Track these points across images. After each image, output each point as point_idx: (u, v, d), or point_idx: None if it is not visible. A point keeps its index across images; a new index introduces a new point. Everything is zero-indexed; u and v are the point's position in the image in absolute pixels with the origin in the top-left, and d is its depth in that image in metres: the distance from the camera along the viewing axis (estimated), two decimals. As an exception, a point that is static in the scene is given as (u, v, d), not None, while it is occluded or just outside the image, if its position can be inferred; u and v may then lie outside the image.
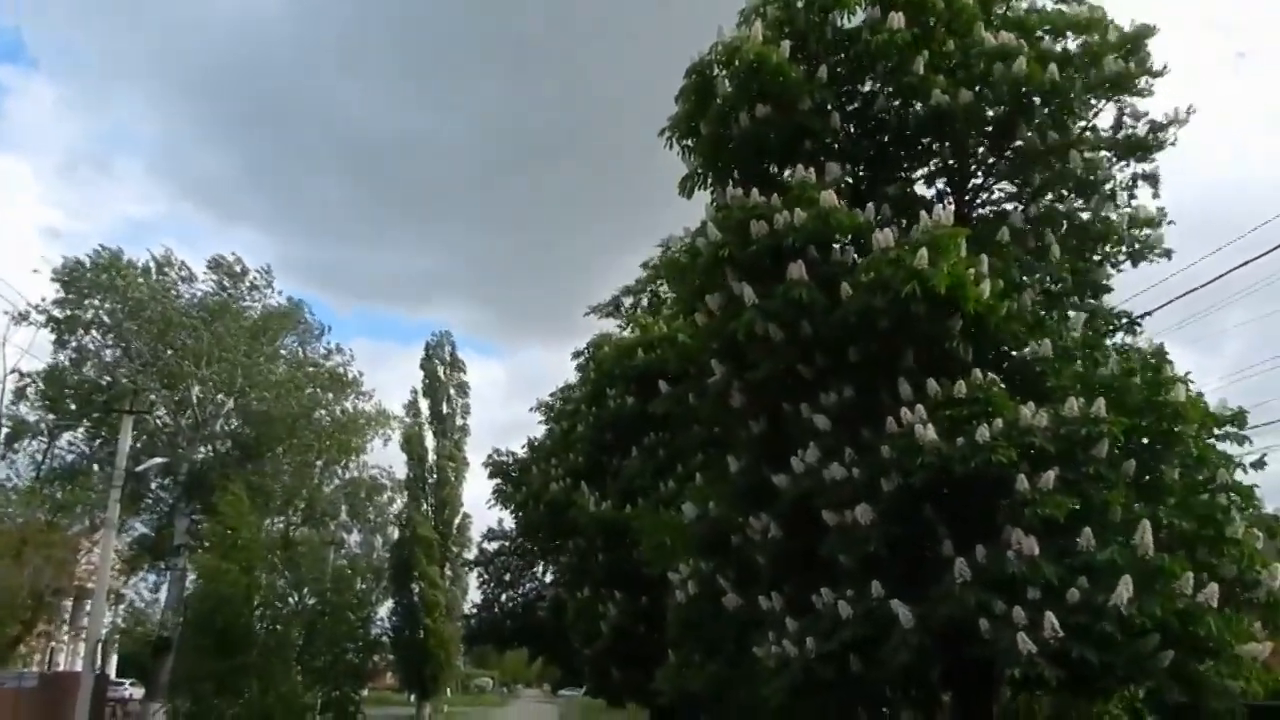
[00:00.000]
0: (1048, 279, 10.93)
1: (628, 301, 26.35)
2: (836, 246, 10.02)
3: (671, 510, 18.16)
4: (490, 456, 29.09)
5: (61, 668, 42.91)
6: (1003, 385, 9.77)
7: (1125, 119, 11.34)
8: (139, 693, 41.24)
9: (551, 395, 27.60)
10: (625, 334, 23.63)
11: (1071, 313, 10.79)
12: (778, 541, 10.77)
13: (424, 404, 51.26)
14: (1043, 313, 10.51)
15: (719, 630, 12.04)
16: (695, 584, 12.17)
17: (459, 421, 52.13)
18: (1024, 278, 10.54)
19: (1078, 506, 8.66)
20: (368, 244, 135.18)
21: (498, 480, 28.12)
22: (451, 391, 52.46)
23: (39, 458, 40.54)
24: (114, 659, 50.08)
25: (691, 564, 12.61)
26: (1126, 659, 8.23)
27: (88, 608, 39.08)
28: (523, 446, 28.49)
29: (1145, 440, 9.65)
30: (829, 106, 11.19)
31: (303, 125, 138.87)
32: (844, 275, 9.76)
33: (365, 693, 50.81)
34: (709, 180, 11.88)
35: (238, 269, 43.91)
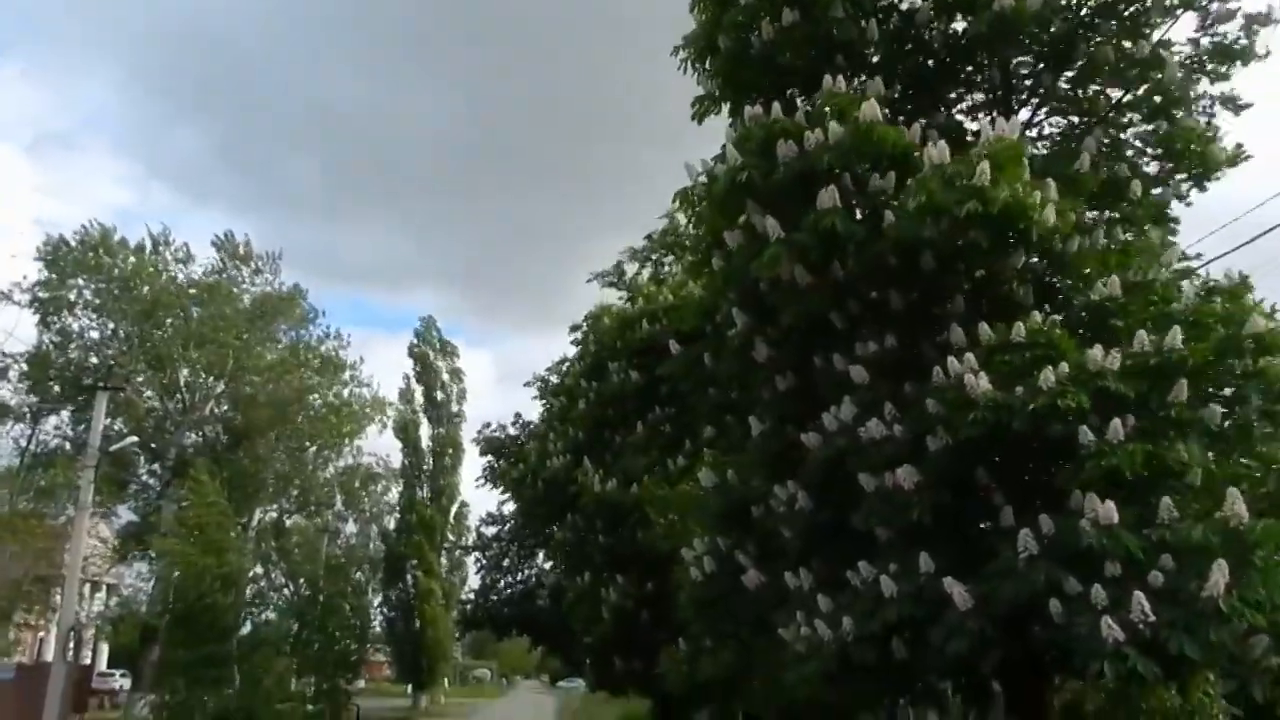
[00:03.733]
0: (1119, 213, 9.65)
1: (631, 269, 25.08)
2: (876, 174, 8.72)
3: (681, 487, 17.02)
4: (480, 433, 27.85)
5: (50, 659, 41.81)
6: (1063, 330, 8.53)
7: (1210, 22, 10.00)
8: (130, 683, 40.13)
9: (548, 370, 26.39)
10: (626, 306, 22.38)
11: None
12: (806, 511, 9.54)
13: (418, 390, 50.06)
14: (1115, 246, 9.23)
15: (738, 611, 10.81)
16: (712, 561, 10.91)
17: (454, 408, 50.93)
18: (1092, 210, 9.28)
19: (1150, 452, 7.42)
20: (340, 226, 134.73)
21: (489, 458, 26.92)
22: (445, 378, 51.21)
23: (22, 443, 39.48)
24: (105, 649, 49.03)
25: (707, 540, 11.37)
26: (1227, 654, 7.01)
27: (83, 597, 38.11)
28: (513, 423, 27.31)
29: (1226, 378, 8.41)
30: (865, 16, 9.89)
31: (274, 102, 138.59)
32: (885, 205, 8.51)
33: (361, 684, 49.99)
34: (726, 106, 10.60)
35: (243, 250, 42.74)
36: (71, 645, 23.01)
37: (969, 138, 9.90)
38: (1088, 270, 9.00)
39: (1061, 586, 7.26)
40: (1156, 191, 10.36)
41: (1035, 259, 8.70)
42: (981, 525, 8.79)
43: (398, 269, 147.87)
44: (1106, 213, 9.60)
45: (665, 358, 13.19)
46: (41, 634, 42.27)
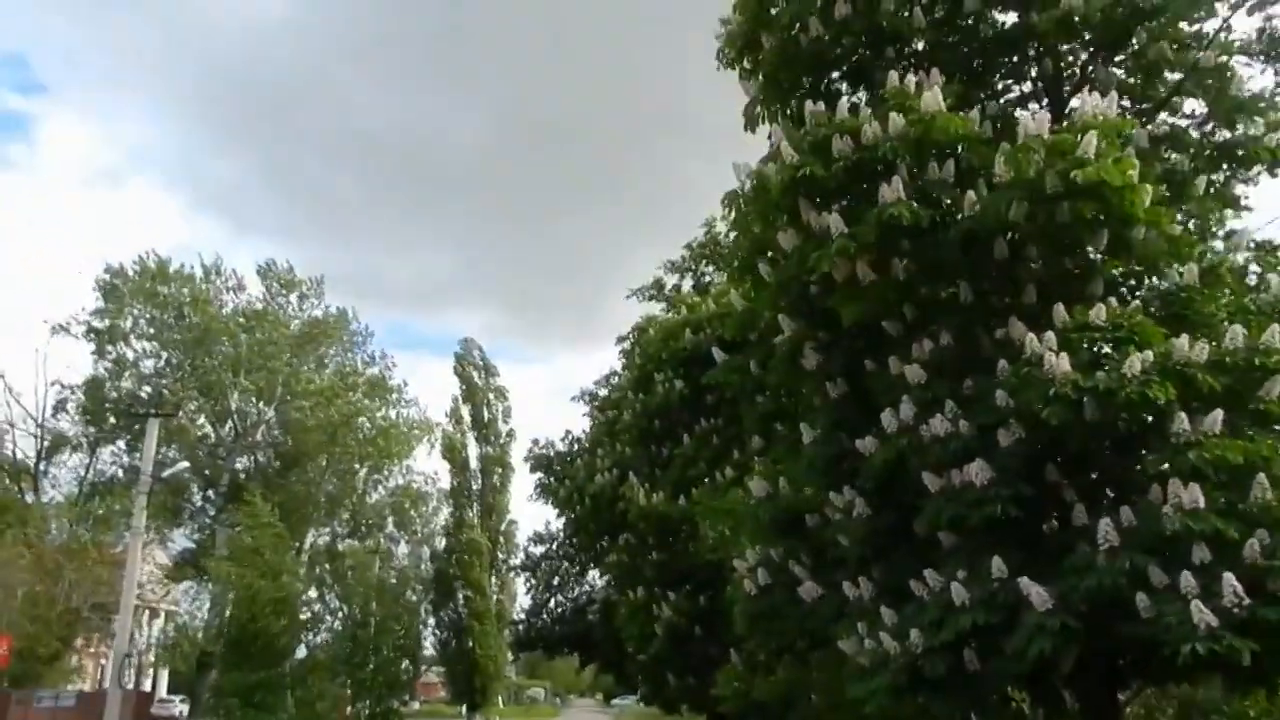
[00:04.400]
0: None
1: (670, 281, 24.92)
2: (936, 165, 8.40)
3: (730, 498, 16.70)
4: (530, 450, 27.79)
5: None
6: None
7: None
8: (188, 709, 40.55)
9: (595, 383, 26.29)
10: (671, 316, 22.20)
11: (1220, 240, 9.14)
12: (865, 519, 9.19)
13: (465, 410, 50.13)
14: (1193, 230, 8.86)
15: (794, 624, 10.45)
16: (765, 573, 10.55)
17: (501, 427, 50.90)
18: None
19: (1249, 447, 7.05)
20: (380, 249, 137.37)
21: (539, 475, 26.84)
22: (490, 397, 51.19)
23: (81, 472, 40.25)
24: (164, 675, 49.60)
25: (759, 551, 11.03)
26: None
27: (140, 624, 38.66)
28: (562, 438, 27.23)
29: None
30: (910, 5, 9.57)
31: (311, 127, 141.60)
32: (948, 196, 8.18)
33: (416, 705, 50.00)
34: (775, 109, 10.34)
35: (288, 277, 43.42)
36: (129, 672, 23.24)
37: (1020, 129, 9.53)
38: (1159, 259, 8.59)
39: (1147, 577, 6.89)
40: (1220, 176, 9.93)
41: (1113, 243, 8.29)
42: (1048, 524, 8.43)
43: (440, 290, 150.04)
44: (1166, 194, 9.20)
45: (711, 367, 12.95)
46: (104, 661, 42.88)
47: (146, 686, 43.61)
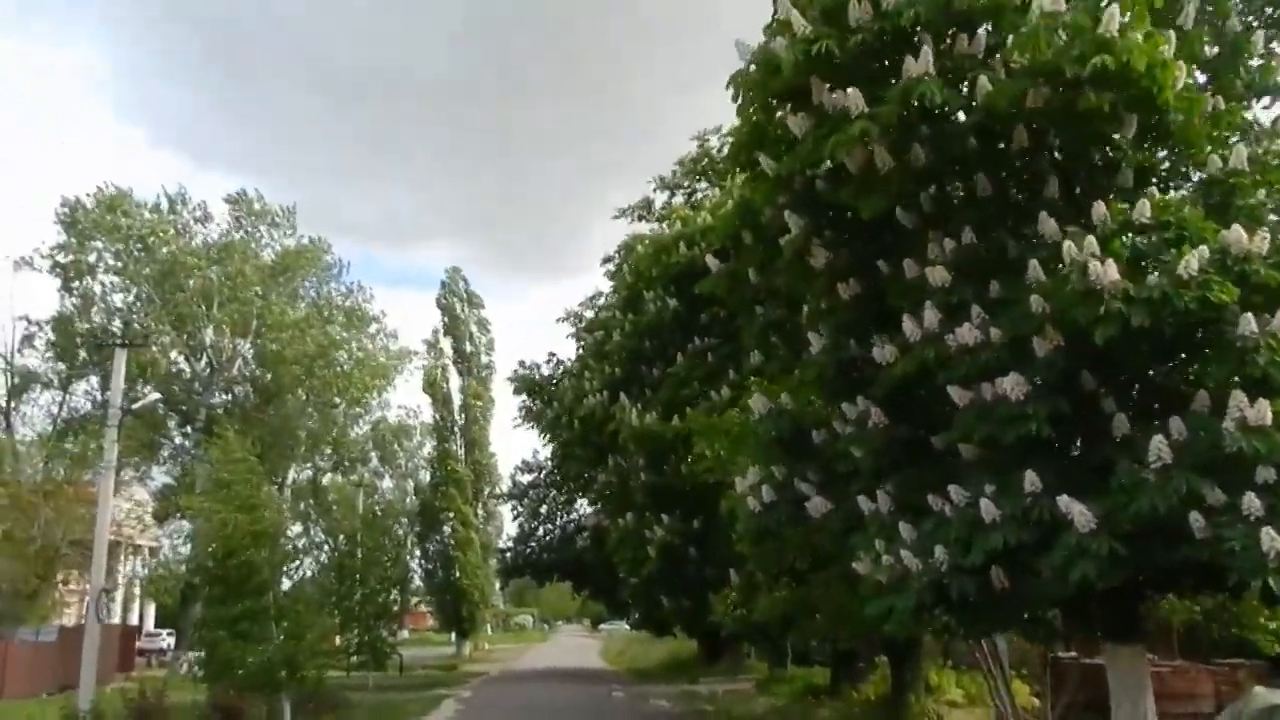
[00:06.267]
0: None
1: (660, 199, 23.92)
2: (965, 35, 7.57)
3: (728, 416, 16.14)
4: (515, 371, 27.04)
5: (96, 621, 42.00)
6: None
7: None
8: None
9: (580, 305, 25.48)
10: (662, 230, 21.32)
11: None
12: (880, 430, 8.56)
13: (445, 343, 49.17)
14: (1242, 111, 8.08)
15: (798, 543, 9.91)
16: (769, 490, 9.93)
17: (483, 359, 50.06)
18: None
19: None
20: (346, 184, 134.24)
21: (523, 399, 26.18)
22: (473, 329, 50.23)
23: (54, 410, 39.32)
24: (151, 610, 49.45)
25: (760, 469, 10.40)
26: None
27: (120, 559, 38.16)
28: (547, 361, 26.51)
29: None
30: None
31: (273, 59, 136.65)
32: (979, 71, 7.37)
33: (405, 634, 50.17)
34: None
35: (257, 205, 42.03)
36: (109, 607, 22.73)
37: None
38: (1198, 144, 7.83)
39: (1204, 497, 6.29)
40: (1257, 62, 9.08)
41: (1149, 131, 7.53)
42: (1083, 436, 7.84)
43: (407, 226, 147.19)
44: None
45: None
46: (87, 598, 42.43)
47: (134, 620, 43.42)
